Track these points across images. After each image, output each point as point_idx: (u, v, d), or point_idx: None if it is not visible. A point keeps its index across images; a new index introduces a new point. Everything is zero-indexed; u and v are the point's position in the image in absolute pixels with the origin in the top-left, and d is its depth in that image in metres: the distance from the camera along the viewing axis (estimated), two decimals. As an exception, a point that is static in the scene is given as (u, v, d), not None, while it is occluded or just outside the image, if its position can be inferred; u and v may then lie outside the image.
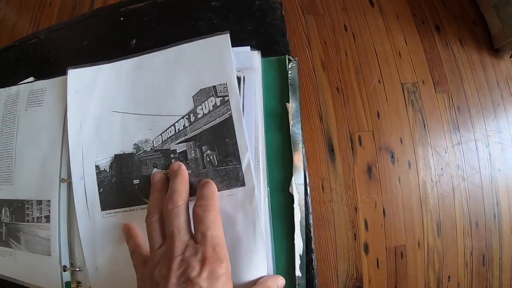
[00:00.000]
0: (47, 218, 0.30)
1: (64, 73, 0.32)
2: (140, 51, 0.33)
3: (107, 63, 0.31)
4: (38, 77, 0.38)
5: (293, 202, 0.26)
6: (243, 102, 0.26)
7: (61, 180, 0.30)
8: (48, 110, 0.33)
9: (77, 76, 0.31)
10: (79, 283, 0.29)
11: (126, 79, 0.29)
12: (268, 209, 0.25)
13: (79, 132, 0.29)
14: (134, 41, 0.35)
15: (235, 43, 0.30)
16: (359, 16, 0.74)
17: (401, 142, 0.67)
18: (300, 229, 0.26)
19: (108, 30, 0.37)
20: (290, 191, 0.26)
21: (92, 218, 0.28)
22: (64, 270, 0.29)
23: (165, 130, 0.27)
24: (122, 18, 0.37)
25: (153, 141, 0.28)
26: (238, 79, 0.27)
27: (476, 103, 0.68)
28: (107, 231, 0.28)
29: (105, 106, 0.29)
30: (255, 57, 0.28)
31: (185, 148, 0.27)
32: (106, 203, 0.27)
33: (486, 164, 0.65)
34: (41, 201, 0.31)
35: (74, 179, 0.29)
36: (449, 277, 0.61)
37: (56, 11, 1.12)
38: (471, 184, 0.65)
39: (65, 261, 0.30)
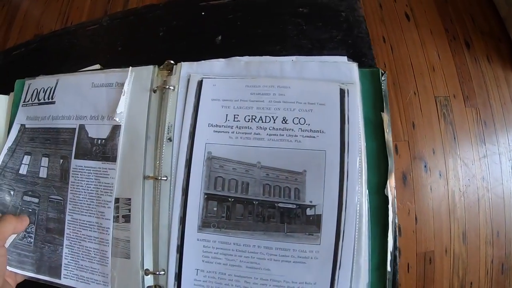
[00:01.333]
0: (126, 218, 0.30)
1: (132, 63, 0.33)
2: (227, 49, 0.36)
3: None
4: (106, 66, 0.38)
5: (387, 203, 0.28)
6: (348, 114, 0.29)
7: (145, 177, 0.30)
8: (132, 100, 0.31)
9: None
10: (159, 287, 0.29)
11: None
12: (367, 209, 0.28)
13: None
14: (219, 37, 0.37)
15: (326, 50, 0.34)
16: (396, 28, 0.80)
17: (434, 152, 0.73)
18: (391, 228, 0.28)
19: (186, 23, 0.38)
20: (385, 193, 0.28)
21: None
22: (146, 274, 0.29)
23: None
24: (203, 13, 0.39)
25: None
26: (342, 91, 0.30)
27: (500, 118, 0.75)
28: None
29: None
30: (355, 69, 0.31)
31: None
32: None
33: (508, 177, 0.72)
34: (118, 199, 0.30)
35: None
36: (471, 283, 0.66)
37: (88, 3, 1.11)
38: (495, 196, 0.71)
39: (148, 264, 0.29)
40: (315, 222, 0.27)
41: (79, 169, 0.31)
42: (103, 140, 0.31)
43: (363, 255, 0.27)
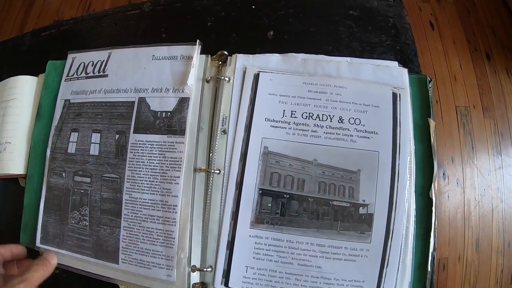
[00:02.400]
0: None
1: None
2: (280, 44, 0.36)
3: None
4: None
5: (431, 205, 0.30)
6: (400, 117, 0.30)
7: (197, 170, 0.29)
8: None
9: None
10: (204, 284, 0.29)
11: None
12: (413, 210, 0.29)
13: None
14: (271, 32, 0.36)
15: (376, 54, 0.34)
16: (421, 37, 0.81)
17: (452, 161, 0.75)
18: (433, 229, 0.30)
19: (236, 15, 0.38)
20: (430, 195, 0.30)
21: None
22: (193, 271, 0.29)
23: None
24: (253, 7, 0.38)
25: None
26: (395, 95, 0.30)
27: (516, 131, 0.77)
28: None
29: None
30: (406, 75, 0.31)
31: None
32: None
33: (521, 189, 0.75)
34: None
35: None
36: (481, 291, 0.69)
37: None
38: (508, 206, 0.74)
39: (195, 261, 0.29)
40: (367, 221, 0.29)
41: (140, 144, 0.31)
42: (169, 113, 0.30)
43: (408, 255, 0.28)
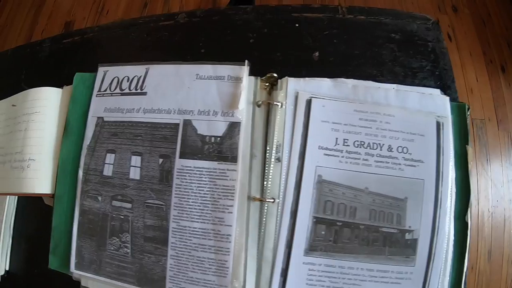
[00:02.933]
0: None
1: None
2: (325, 66, 0.34)
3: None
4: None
5: (466, 228, 0.31)
6: (443, 146, 0.30)
7: (251, 198, 0.28)
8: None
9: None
10: None
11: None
12: (452, 234, 0.29)
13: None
14: (317, 53, 0.35)
15: (417, 80, 0.33)
16: None
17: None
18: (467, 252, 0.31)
19: (279, 33, 0.35)
20: (466, 219, 0.30)
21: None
22: None
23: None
24: (297, 25, 0.36)
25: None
26: (438, 124, 0.30)
27: (529, 145, 0.82)
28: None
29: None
30: (447, 103, 0.31)
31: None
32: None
33: (533, 201, 0.80)
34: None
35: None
36: (492, 300, 0.74)
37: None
38: None
39: (250, 286, 0.28)
40: (412, 246, 0.29)
41: (187, 170, 0.29)
42: (218, 138, 0.29)
43: (446, 276, 0.30)
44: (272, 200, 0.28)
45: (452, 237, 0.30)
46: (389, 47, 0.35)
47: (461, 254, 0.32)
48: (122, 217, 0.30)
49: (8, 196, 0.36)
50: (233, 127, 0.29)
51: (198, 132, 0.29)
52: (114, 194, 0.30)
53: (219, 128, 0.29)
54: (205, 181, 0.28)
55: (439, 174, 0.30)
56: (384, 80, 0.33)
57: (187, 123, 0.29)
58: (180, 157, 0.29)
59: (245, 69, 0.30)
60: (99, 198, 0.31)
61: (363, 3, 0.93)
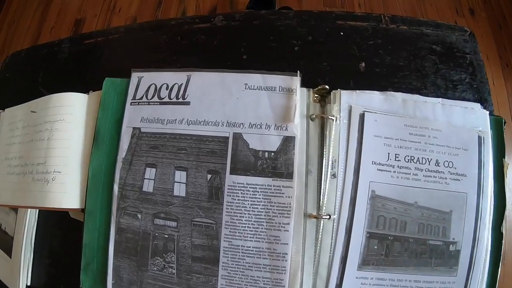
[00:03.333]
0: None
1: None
2: (371, 78, 0.32)
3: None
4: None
5: (501, 238, 0.31)
6: (483, 160, 0.30)
7: (307, 215, 0.26)
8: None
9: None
10: None
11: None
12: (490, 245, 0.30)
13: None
14: (363, 64, 0.33)
15: (457, 92, 0.33)
16: None
17: None
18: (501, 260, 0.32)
19: (324, 41, 0.33)
20: (501, 229, 0.31)
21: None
22: None
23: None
24: (342, 33, 0.34)
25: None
26: (480, 138, 0.31)
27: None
28: None
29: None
30: (487, 117, 0.31)
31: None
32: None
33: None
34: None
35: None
36: (504, 301, 0.76)
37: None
38: None
39: None
40: (455, 257, 0.29)
41: (239, 186, 0.27)
42: (272, 153, 0.27)
43: (484, 284, 0.31)
44: (328, 217, 0.27)
45: (489, 247, 0.31)
46: (431, 58, 0.34)
47: (496, 263, 0.32)
48: (166, 236, 0.27)
49: (28, 209, 0.33)
50: (288, 141, 0.27)
51: (250, 147, 0.27)
52: (156, 211, 0.28)
53: (272, 142, 0.27)
54: (260, 198, 0.26)
55: (480, 187, 0.30)
56: (428, 93, 0.32)
57: (237, 136, 0.27)
58: (231, 173, 0.27)
59: (297, 80, 0.28)
60: (139, 215, 0.28)
61: (383, 6, 0.91)
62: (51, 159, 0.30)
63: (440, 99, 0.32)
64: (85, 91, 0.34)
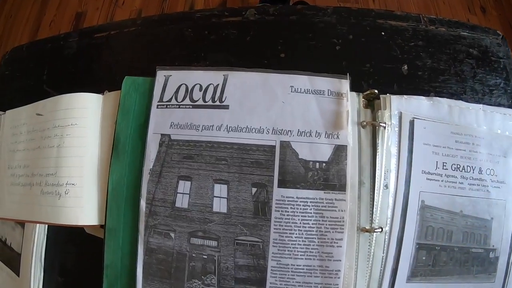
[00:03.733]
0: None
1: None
2: (412, 81, 0.30)
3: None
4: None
5: None
6: None
7: (360, 229, 0.24)
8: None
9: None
10: None
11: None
12: None
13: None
14: (405, 67, 0.31)
15: (493, 98, 0.31)
16: None
17: None
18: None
19: (366, 41, 0.29)
20: None
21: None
22: None
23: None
24: (383, 33, 0.31)
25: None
26: None
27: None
28: None
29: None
30: None
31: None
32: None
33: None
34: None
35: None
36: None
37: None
38: None
39: None
40: (494, 264, 0.29)
41: (289, 201, 0.24)
42: (324, 164, 0.24)
43: None
44: (380, 230, 0.25)
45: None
46: (468, 62, 0.33)
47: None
48: (205, 256, 0.24)
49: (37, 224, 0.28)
50: (340, 151, 0.24)
51: (300, 157, 0.24)
52: (193, 230, 0.24)
53: (323, 152, 0.24)
54: (311, 213, 0.24)
55: (516, 194, 0.30)
56: (467, 98, 0.31)
57: (285, 145, 0.24)
58: (279, 186, 0.24)
59: (347, 84, 0.25)
60: (172, 234, 0.24)
61: (397, 2, 0.89)
62: (63, 169, 0.25)
63: (482, 105, 0.31)
64: (96, 91, 0.29)
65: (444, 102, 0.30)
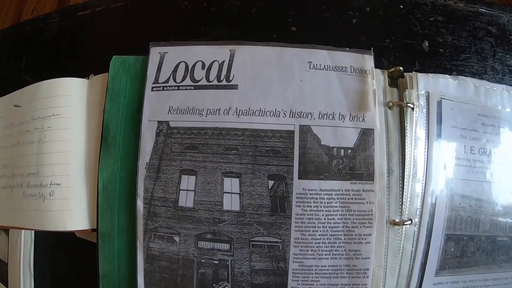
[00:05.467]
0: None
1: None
2: (435, 60, 0.25)
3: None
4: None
5: None
6: None
7: (389, 222, 0.20)
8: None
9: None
10: None
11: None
12: None
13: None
14: (426, 43, 0.26)
15: None
16: None
17: None
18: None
19: (385, 15, 0.24)
20: None
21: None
22: None
23: None
24: (401, 6, 0.26)
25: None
26: None
27: None
28: None
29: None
30: None
31: None
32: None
33: None
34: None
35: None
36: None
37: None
38: None
39: None
40: None
41: (311, 194, 0.19)
42: (349, 150, 0.19)
43: None
44: (410, 222, 0.21)
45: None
46: (488, 40, 0.28)
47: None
48: (216, 262, 0.19)
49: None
50: (366, 135, 0.20)
51: (322, 143, 0.19)
52: (201, 232, 0.19)
53: (349, 136, 0.19)
54: (336, 207, 0.19)
55: (538, 177, 0.27)
56: (488, 78, 0.27)
57: (305, 130, 0.19)
58: (300, 177, 0.19)
59: (371, 60, 0.20)
60: (176, 238, 0.19)
61: None
62: (46, 167, 0.20)
63: (504, 86, 0.27)
64: (83, 75, 0.23)
65: (470, 81, 0.25)
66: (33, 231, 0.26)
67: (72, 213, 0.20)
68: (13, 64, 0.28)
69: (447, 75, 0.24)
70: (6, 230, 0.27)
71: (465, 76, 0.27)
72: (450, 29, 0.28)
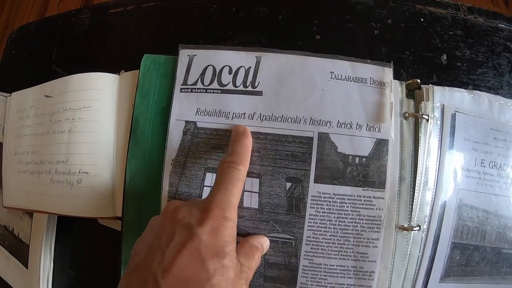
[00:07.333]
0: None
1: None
2: (451, 72, 0.27)
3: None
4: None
5: None
6: None
7: (398, 227, 0.22)
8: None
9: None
10: None
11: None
12: None
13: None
14: (445, 56, 0.27)
15: None
16: None
17: None
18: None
19: (405, 27, 0.26)
20: None
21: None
22: None
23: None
24: (422, 19, 0.28)
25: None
26: None
27: None
28: None
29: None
30: None
31: None
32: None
33: None
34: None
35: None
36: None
37: None
38: None
39: None
40: None
41: (325, 197, 0.21)
42: (364, 159, 0.21)
43: None
44: (418, 228, 0.23)
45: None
46: (505, 56, 0.30)
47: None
48: None
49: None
50: (381, 145, 0.22)
51: (339, 150, 0.21)
52: None
53: (364, 145, 0.21)
54: (347, 210, 0.21)
55: (544, 193, 0.29)
56: (504, 93, 0.28)
57: (324, 137, 0.21)
58: (316, 181, 0.21)
59: (390, 73, 0.22)
60: None
61: None
62: (75, 156, 0.22)
63: None
64: (110, 71, 0.25)
65: (484, 96, 0.27)
66: (56, 216, 0.29)
67: (98, 201, 0.23)
68: (44, 56, 0.30)
69: (462, 89, 0.26)
70: (30, 213, 0.30)
71: (480, 90, 0.29)
72: (469, 44, 0.30)
